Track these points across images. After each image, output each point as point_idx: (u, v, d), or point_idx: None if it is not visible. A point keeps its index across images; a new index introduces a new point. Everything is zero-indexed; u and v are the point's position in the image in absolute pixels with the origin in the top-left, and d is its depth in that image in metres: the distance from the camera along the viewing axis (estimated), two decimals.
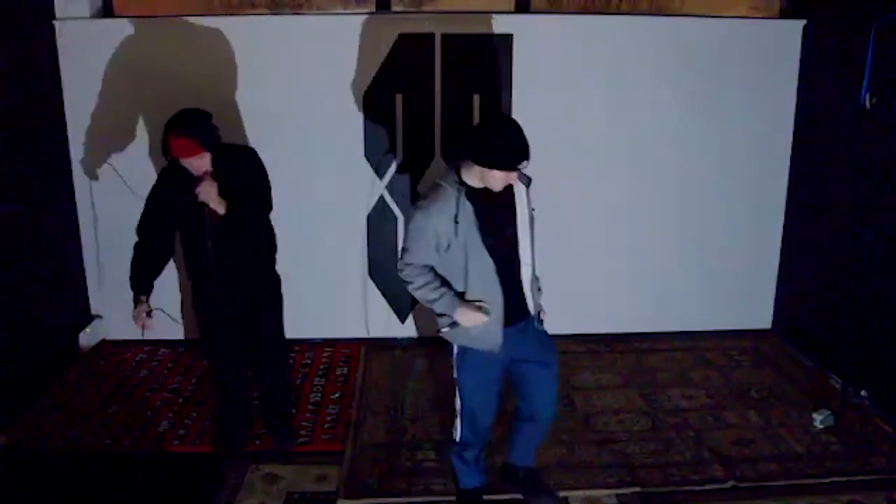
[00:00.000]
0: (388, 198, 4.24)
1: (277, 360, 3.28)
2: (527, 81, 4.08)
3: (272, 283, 3.12)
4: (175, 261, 3.22)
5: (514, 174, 2.43)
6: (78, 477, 3.04)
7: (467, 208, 2.44)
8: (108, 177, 4.09)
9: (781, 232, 4.42)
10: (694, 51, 4.12)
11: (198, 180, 2.71)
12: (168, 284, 3.72)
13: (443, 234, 2.45)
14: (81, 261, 4.24)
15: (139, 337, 4.18)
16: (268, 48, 3.96)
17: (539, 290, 2.70)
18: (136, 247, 2.91)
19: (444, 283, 2.55)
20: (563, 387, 3.81)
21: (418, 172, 4.20)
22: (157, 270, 2.94)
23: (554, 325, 4.41)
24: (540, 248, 2.64)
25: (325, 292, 4.30)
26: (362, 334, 4.39)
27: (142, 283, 2.89)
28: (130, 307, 2.76)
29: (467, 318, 2.52)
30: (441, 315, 2.60)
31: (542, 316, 2.73)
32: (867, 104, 3.47)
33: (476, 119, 4.14)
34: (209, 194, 2.70)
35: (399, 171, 4.20)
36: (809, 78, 4.15)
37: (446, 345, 2.71)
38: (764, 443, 3.30)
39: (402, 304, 4.38)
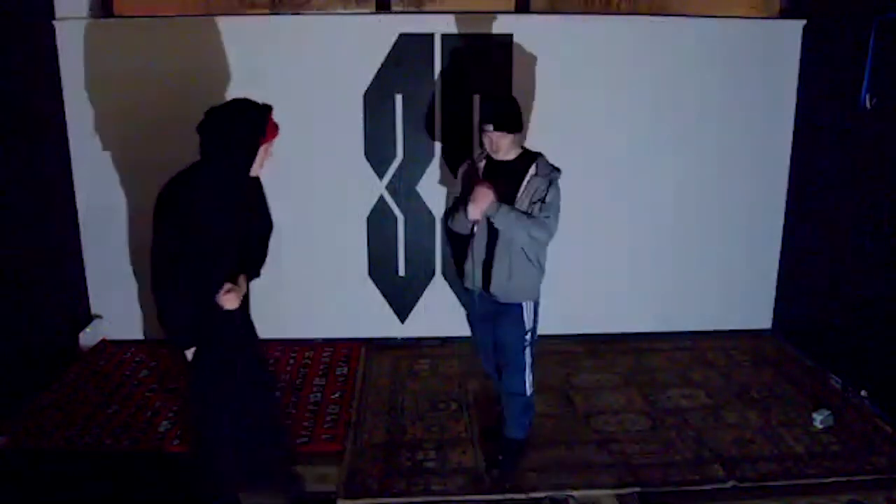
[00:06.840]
0: (388, 198, 4.24)
1: (267, 388, 2.86)
2: (527, 81, 4.08)
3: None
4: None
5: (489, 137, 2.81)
6: (78, 477, 3.04)
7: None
8: (108, 176, 4.10)
9: (781, 232, 4.42)
10: (694, 51, 4.12)
11: (236, 200, 2.47)
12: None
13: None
14: (81, 261, 4.24)
15: (139, 336, 4.25)
16: (268, 48, 3.96)
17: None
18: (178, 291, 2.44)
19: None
20: (562, 387, 3.84)
21: (418, 172, 4.20)
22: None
23: (554, 325, 4.45)
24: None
25: (325, 292, 4.30)
26: (362, 334, 4.40)
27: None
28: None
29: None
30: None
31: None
32: (867, 104, 3.47)
33: (476, 119, 4.14)
34: (233, 301, 2.49)
35: (399, 171, 4.20)
36: (809, 78, 4.15)
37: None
38: (764, 443, 3.30)
39: (402, 303, 4.39)
